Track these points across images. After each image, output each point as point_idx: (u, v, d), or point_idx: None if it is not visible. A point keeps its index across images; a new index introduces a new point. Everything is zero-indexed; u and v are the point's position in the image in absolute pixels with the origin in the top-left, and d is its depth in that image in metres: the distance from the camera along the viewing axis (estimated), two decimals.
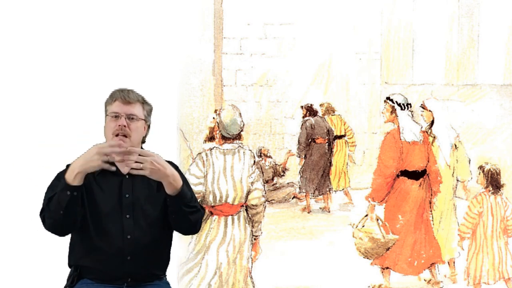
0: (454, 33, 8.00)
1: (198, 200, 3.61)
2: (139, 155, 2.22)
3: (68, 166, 2.45)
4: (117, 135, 2.38)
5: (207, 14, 6.09)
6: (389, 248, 4.30)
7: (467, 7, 7.91)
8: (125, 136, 2.39)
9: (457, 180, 4.77)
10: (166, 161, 2.57)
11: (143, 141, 2.55)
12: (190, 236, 3.77)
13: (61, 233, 2.36)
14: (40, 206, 2.35)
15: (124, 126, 2.38)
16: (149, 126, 2.54)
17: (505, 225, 4.37)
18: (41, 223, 2.35)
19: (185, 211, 2.36)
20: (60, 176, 2.40)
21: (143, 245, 2.39)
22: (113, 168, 2.24)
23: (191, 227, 2.48)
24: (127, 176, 2.43)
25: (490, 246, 4.37)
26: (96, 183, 2.39)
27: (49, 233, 2.36)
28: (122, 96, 2.42)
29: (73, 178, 2.20)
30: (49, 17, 4.04)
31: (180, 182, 2.32)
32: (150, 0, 4.26)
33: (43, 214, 2.32)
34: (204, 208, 2.58)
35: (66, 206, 2.22)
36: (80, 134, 3.81)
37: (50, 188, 2.38)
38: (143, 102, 2.49)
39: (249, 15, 7.94)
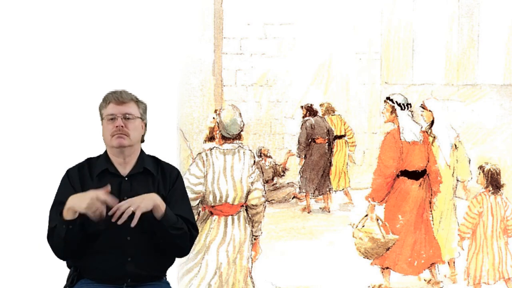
0: (454, 33, 8.01)
1: (198, 200, 3.63)
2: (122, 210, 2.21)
3: (67, 172, 2.45)
4: (114, 135, 2.38)
5: (207, 14, 6.08)
6: (389, 248, 4.30)
7: (467, 7, 7.91)
8: (123, 135, 2.39)
9: (457, 180, 4.77)
10: (169, 164, 2.57)
11: (142, 140, 2.54)
12: None
13: (66, 259, 2.42)
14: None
15: (122, 126, 2.38)
16: (146, 125, 2.53)
17: (505, 225, 4.37)
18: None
19: (172, 234, 2.34)
20: (60, 188, 2.42)
21: (144, 246, 2.38)
22: (95, 218, 2.22)
23: (180, 251, 2.47)
24: (126, 178, 2.42)
25: (490, 246, 4.37)
26: (95, 184, 2.39)
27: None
28: (115, 97, 2.42)
29: (66, 213, 2.23)
30: (49, 18, 4.04)
31: (163, 207, 2.30)
32: (150, 0, 4.26)
33: (49, 240, 2.35)
34: (198, 230, 2.56)
35: (65, 238, 2.26)
36: (80, 134, 3.82)
37: (53, 207, 2.40)
38: (137, 100, 2.49)
39: (249, 15, 7.94)
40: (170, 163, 2.62)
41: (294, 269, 5.01)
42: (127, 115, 2.41)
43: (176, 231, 2.36)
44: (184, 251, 2.49)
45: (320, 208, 7.25)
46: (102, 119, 2.46)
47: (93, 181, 2.39)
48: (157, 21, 4.23)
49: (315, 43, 7.91)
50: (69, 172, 2.45)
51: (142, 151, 2.53)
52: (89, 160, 2.50)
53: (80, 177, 2.41)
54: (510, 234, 4.40)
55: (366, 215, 4.40)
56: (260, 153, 7.67)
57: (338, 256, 5.27)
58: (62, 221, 2.23)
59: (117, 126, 2.38)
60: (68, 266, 2.49)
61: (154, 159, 2.56)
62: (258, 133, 8.12)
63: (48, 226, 2.35)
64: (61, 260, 2.42)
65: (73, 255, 2.38)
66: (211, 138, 4.43)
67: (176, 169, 2.58)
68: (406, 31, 8.09)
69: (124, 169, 2.44)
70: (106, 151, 2.48)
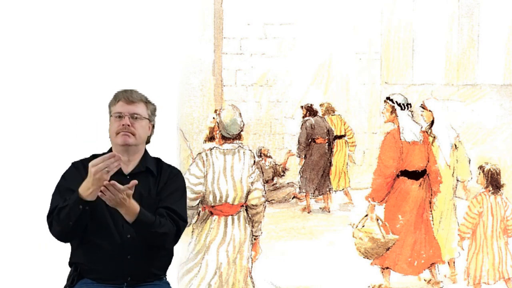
0: (454, 33, 8.01)
1: (198, 200, 3.63)
2: (115, 188, 2.17)
3: (73, 164, 2.46)
4: (120, 133, 2.39)
5: (207, 14, 6.09)
6: (389, 248, 4.30)
7: (467, 7, 7.91)
8: (129, 133, 2.40)
9: (457, 180, 4.77)
10: (170, 166, 2.58)
11: (148, 141, 2.55)
12: (190, 236, 3.77)
13: (66, 241, 2.39)
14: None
15: (128, 125, 2.39)
16: (153, 126, 2.55)
17: (505, 225, 4.37)
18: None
19: (147, 236, 2.32)
20: (66, 176, 2.41)
21: (143, 245, 2.39)
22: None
23: (161, 246, 2.43)
24: (128, 176, 2.43)
25: (490, 246, 4.37)
26: None
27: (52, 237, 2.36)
28: (125, 96, 2.44)
29: (88, 193, 2.20)
30: (49, 18, 4.05)
31: (135, 211, 2.25)
32: (150, 0, 4.26)
33: (51, 219, 2.32)
34: (186, 221, 2.52)
35: (76, 219, 2.24)
36: (81, 133, 3.82)
37: (57, 190, 2.38)
38: (147, 101, 2.50)
39: (249, 15, 7.95)
40: (170, 163, 2.63)
41: (294, 269, 5.01)
42: (134, 115, 2.43)
43: (153, 234, 2.32)
44: (169, 245, 2.47)
45: (320, 208, 7.25)
46: (110, 116, 2.47)
47: None
48: (157, 21, 4.23)
49: (315, 43, 7.91)
50: (75, 164, 2.47)
51: (146, 151, 2.54)
52: (94, 156, 2.50)
53: (86, 170, 2.41)
54: (510, 234, 4.41)
55: (366, 215, 4.40)
56: (260, 153, 7.67)
57: (338, 256, 5.27)
58: (80, 201, 2.19)
59: (123, 125, 2.40)
60: (69, 264, 2.48)
61: (157, 160, 2.57)
62: (258, 133, 8.12)
63: (50, 207, 2.33)
64: (59, 241, 2.37)
65: (75, 237, 2.36)
66: (211, 138, 4.43)
67: (176, 169, 2.59)
68: (406, 31, 8.09)
69: (127, 168, 2.45)
70: (111, 149, 2.49)
